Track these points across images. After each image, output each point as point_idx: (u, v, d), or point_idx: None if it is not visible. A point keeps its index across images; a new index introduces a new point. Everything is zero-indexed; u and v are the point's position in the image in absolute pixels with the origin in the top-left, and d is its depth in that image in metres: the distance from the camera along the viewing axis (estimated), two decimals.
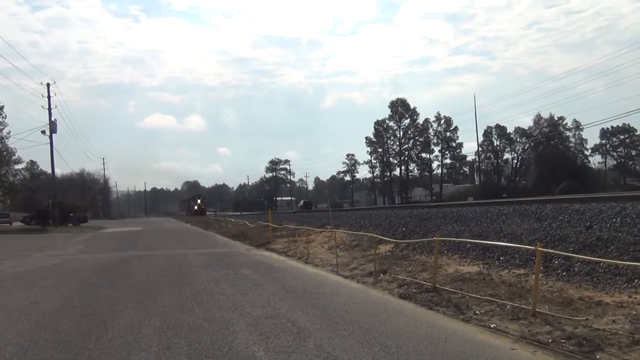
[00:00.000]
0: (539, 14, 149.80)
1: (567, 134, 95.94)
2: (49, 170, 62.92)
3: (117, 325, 7.80)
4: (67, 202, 60.70)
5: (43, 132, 52.40)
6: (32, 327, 7.89)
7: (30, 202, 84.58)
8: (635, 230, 10.56)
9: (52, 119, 52.87)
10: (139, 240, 30.34)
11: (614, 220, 11.76)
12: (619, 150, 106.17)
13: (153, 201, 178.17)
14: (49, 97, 52.85)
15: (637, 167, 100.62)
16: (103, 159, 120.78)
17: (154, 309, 8.95)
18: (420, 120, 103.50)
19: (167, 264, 16.73)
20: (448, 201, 50.86)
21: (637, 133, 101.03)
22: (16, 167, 59.37)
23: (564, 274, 9.65)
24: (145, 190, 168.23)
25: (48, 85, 53.37)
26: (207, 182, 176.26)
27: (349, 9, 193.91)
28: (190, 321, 7.96)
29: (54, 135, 52.97)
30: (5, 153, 53.04)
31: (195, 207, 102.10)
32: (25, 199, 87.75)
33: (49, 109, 52.81)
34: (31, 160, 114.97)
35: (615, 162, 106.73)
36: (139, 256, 19.69)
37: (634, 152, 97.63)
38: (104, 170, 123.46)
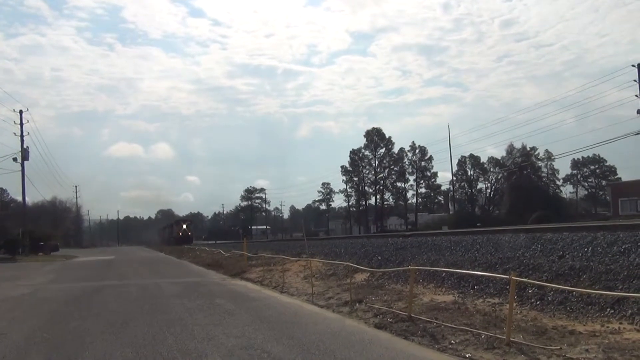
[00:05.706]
0: (509, 47, 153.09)
1: (539, 164, 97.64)
2: (20, 198, 61.86)
3: (87, 358, 7.63)
4: (38, 231, 59.46)
5: (14, 159, 51.69)
6: None
7: None
8: (606, 260, 10.72)
9: (24, 146, 52.31)
10: (111, 270, 29.77)
11: (586, 249, 11.92)
12: (590, 180, 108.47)
13: (126, 229, 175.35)
14: (21, 124, 52.37)
15: (608, 197, 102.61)
16: (75, 186, 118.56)
17: (125, 340, 8.77)
18: (396, 150, 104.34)
19: (139, 293, 16.45)
20: (423, 230, 51.09)
21: (607, 164, 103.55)
22: None
23: (538, 303, 9.73)
24: (118, 218, 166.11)
25: (20, 112, 52.90)
26: (181, 211, 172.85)
27: (324, 40, 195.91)
28: (163, 352, 7.82)
29: (25, 162, 52.37)
30: None
31: (180, 234, 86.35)
32: None
33: (21, 136, 52.28)
34: (1, 188, 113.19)
35: (586, 192, 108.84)
36: (110, 286, 19.32)
37: (604, 182, 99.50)
38: (77, 198, 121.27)
